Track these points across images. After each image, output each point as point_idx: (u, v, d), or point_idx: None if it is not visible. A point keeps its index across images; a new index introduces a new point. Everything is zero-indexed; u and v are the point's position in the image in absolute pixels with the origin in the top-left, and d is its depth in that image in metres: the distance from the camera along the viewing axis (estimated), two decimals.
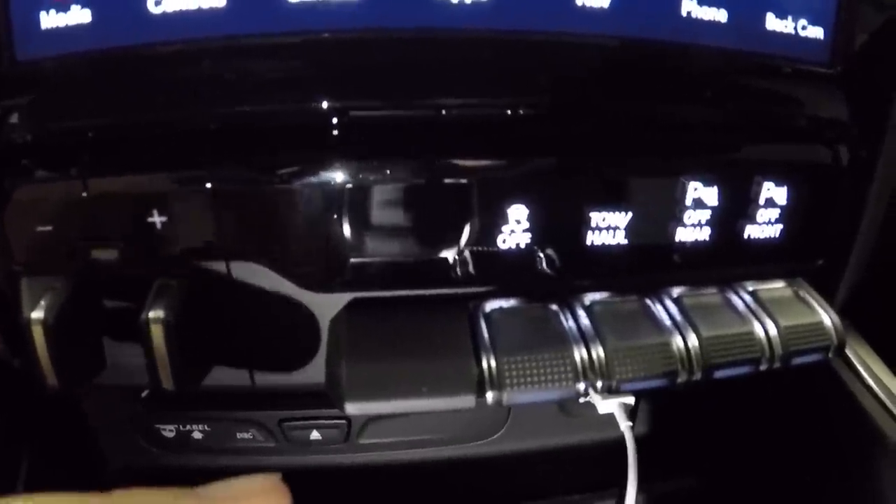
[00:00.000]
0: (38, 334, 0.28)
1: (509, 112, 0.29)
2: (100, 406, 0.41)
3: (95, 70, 0.28)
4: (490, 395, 0.28)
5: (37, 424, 0.40)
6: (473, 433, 0.44)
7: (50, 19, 0.27)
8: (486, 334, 0.29)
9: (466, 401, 0.28)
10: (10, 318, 0.31)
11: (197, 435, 0.41)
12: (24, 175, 0.28)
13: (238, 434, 0.41)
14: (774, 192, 0.33)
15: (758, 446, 0.48)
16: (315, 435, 0.41)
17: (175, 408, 0.41)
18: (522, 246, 0.30)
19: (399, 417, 0.42)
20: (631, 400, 0.38)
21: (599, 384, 0.29)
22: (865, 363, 0.42)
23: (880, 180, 0.37)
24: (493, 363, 0.28)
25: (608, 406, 0.38)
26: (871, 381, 0.41)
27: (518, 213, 0.29)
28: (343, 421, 0.41)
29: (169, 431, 0.42)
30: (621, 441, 0.38)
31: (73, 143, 0.28)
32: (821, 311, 0.35)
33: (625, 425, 0.38)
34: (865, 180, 0.37)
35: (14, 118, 0.29)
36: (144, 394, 0.42)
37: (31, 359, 0.28)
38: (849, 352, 0.42)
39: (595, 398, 0.38)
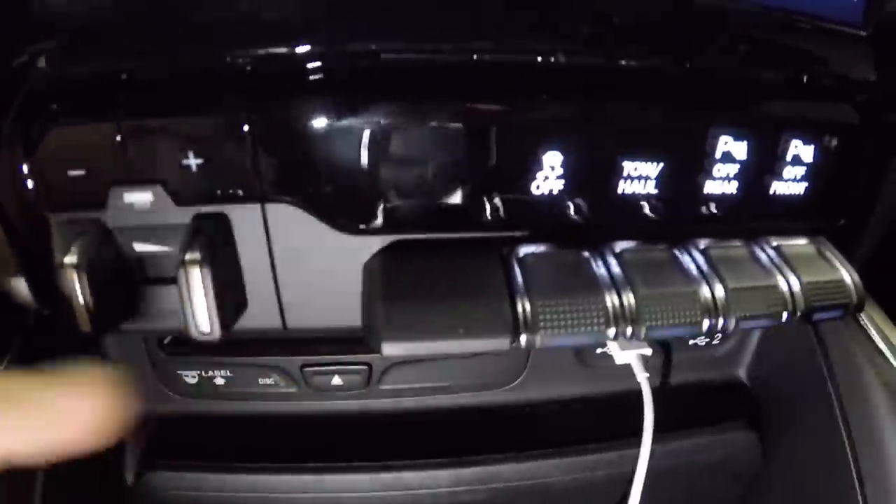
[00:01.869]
0: (71, 279, 0.28)
1: (542, 59, 0.29)
2: (121, 352, 0.41)
3: (124, 11, 0.28)
4: (524, 338, 0.28)
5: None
6: (491, 381, 0.45)
7: None
8: (519, 278, 0.30)
9: (501, 343, 0.28)
10: (37, 265, 0.31)
11: (219, 381, 0.42)
12: (54, 119, 0.28)
13: (260, 379, 0.42)
14: (801, 149, 0.34)
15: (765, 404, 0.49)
16: (336, 380, 0.41)
17: (198, 353, 0.41)
18: (555, 192, 0.30)
19: (419, 364, 0.43)
20: (648, 351, 0.39)
21: (629, 330, 0.29)
22: (879, 328, 0.42)
23: None
24: (527, 306, 0.28)
25: (626, 357, 0.39)
26: (882, 346, 0.42)
27: (552, 160, 0.29)
28: (364, 367, 0.41)
29: (191, 377, 0.42)
30: (639, 392, 0.38)
31: (104, 85, 0.28)
32: (842, 269, 0.35)
33: (642, 376, 0.39)
34: (891, 144, 0.37)
35: (42, 62, 0.28)
36: (167, 340, 0.42)
37: (64, 304, 0.28)
38: (862, 316, 0.42)
39: (613, 348, 0.39)
